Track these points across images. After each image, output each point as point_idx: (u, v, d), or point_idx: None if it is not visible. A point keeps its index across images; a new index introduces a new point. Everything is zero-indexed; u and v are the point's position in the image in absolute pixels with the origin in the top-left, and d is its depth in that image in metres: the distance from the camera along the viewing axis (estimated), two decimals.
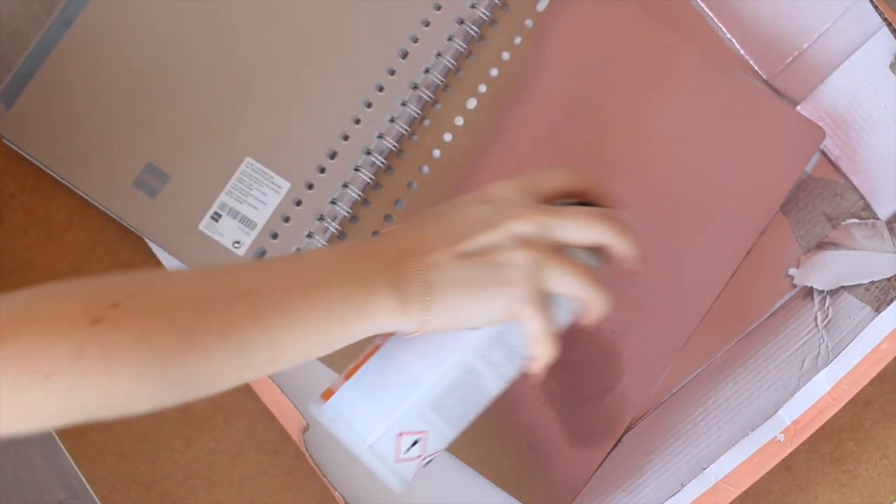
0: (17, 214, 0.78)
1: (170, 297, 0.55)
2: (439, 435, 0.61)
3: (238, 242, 0.77)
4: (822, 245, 0.77)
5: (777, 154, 0.77)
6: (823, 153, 0.78)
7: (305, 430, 0.76)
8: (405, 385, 0.60)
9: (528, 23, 0.79)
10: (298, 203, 0.77)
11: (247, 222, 0.77)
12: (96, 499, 0.77)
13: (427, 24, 0.78)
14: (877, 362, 0.75)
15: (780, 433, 0.75)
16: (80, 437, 0.77)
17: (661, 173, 0.77)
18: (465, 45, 0.78)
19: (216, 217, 0.77)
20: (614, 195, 0.63)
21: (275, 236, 0.77)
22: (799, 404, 0.75)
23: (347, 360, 0.76)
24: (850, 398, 0.75)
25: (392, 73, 0.78)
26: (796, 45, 0.78)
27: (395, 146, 0.77)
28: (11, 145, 0.77)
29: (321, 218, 0.77)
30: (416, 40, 0.78)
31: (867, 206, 0.77)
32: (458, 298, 0.58)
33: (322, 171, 0.77)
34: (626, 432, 0.76)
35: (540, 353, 0.60)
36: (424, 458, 0.62)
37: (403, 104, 0.78)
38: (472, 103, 0.78)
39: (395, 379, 0.60)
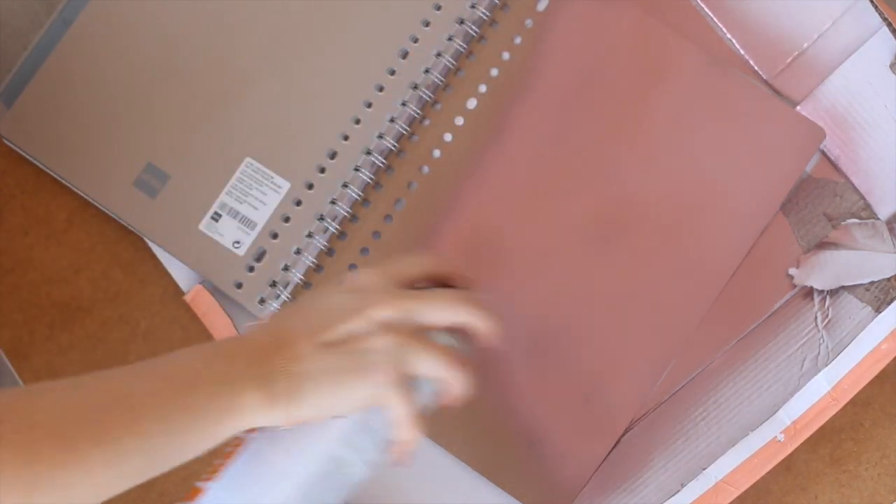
0: (18, 214, 0.78)
1: (52, 409, 0.56)
2: None
3: (238, 242, 0.77)
4: (822, 245, 0.77)
5: (777, 154, 0.77)
6: (823, 153, 0.78)
7: None
8: (273, 482, 0.60)
9: (528, 23, 0.79)
10: (298, 203, 0.77)
11: (247, 222, 0.77)
12: None
13: (427, 24, 0.78)
14: (877, 362, 0.75)
15: (780, 433, 0.75)
16: None
17: (661, 173, 0.77)
18: (465, 45, 0.78)
19: (216, 217, 0.77)
20: (473, 278, 0.65)
21: (275, 236, 0.77)
22: (799, 404, 0.75)
23: None
24: (850, 398, 0.75)
25: (392, 73, 0.78)
26: (796, 45, 0.78)
27: (395, 146, 0.77)
28: (11, 145, 0.77)
29: (321, 218, 0.77)
30: (416, 40, 0.78)
31: (867, 206, 0.77)
32: (323, 388, 0.58)
33: (322, 171, 0.77)
34: (626, 432, 0.76)
35: (404, 436, 0.60)
36: None
37: (403, 104, 0.78)
38: (472, 103, 0.78)
39: (263, 477, 0.60)
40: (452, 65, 0.78)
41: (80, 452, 0.55)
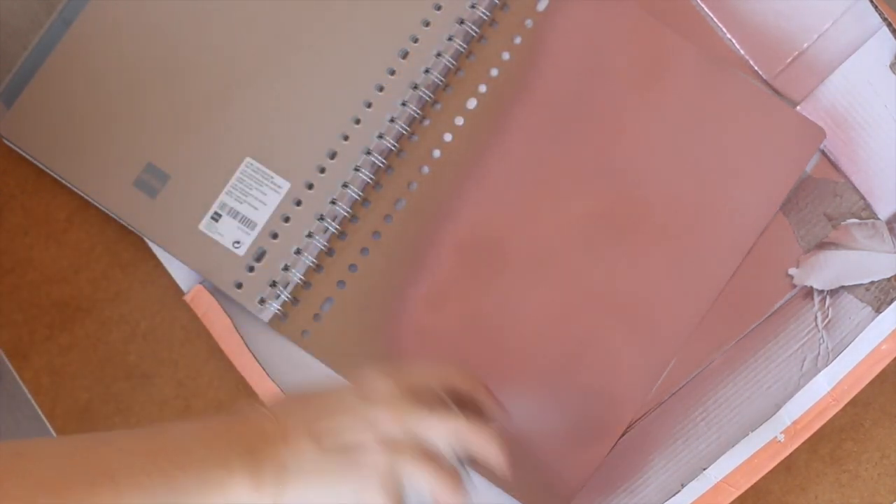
0: (17, 214, 0.78)
1: (33, 481, 0.56)
2: None
3: (238, 242, 0.77)
4: (823, 245, 0.77)
5: (777, 154, 0.77)
6: (823, 153, 0.78)
7: None
8: None
9: (528, 23, 0.79)
10: (298, 203, 0.77)
11: (247, 222, 0.77)
12: None
13: (427, 24, 0.78)
14: (877, 363, 0.75)
15: (781, 433, 0.75)
16: None
17: (661, 173, 0.77)
18: (465, 45, 0.78)
19: (216, 217, 0.77)
20: (491, 397, 0.66)
21: (275, 236, 0.77)
22: (799, 404, 0.75)
23: (345, 359, 0.76)
24: (850, 398, 0.75)
25: (392, 73, 0.78)
26: (796, 45, 0.78)
27: (395, 146, 0.77)
28: (11, 145, 0.77)
29: (321, 218, 0.77)
30: (416, 40, 0.78)
31: (867, 206, 0.77)
32: (312, 487, 0.60)
33: (322, 171, 0.77)
34: (626, 432, 0.76)
35: None
36: None
37: (403, 104, 0.78)
38: (472, 103, 0.78)
39: None
40: (452, 65, 0.78)
41: None
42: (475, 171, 0.78)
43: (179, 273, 0.78)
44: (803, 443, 0.75)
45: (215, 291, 0.77)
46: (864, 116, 0.77)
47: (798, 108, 0.78)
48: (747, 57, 0.79)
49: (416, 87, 0.78)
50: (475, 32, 0.78)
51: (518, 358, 0.76)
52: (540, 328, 0.76)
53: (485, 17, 0.78)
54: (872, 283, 0.76)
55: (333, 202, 0.77)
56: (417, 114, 0.78)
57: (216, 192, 0.77)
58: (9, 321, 0.78)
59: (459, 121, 0.78)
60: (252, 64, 0.78)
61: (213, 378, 0.78)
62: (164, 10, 0.78)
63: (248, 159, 0.77)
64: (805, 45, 0.78)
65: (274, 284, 0.76)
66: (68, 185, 0.77)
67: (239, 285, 0.76)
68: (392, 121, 0.77)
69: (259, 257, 0.77)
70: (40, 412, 0.77)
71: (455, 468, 0.62)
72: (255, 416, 0.61)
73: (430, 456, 0.61)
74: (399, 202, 0.78)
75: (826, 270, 0.77)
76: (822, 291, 0.77)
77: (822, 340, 0.76)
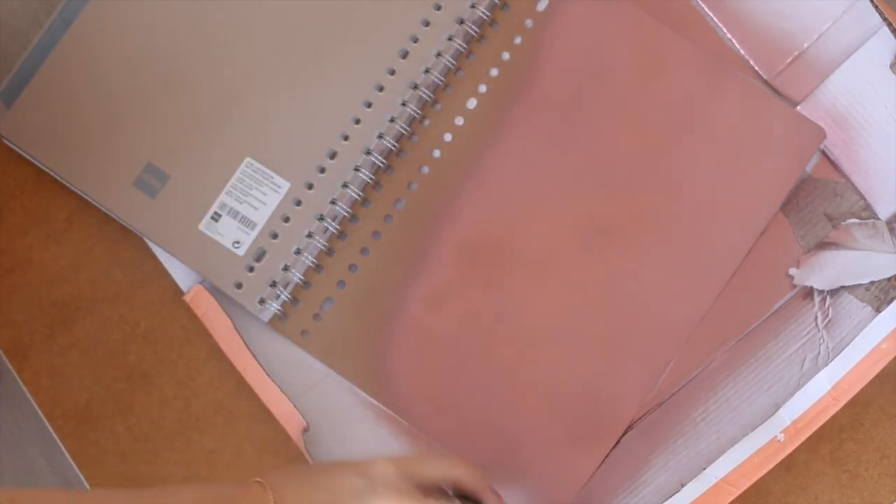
0: (17, 214, 0.78)
1: None
2: None
3: (238, 242, 0.77)
4: (823, 245, 0.77)
5: (777, 154, 0.77)
6: (824, 153, 0.78)
7: (305, 430, 0.76)
8: None
9: (528, 23, 0.79)
10: (298, 203, 0.77)
11: (247, 222, 0.77)
12: None
13: (427, 24, 0.78)
14: (877, 362, 0.75)
15: (781, 433, 0.75)
16: (80, 437, 0.77)
17: (660, 173, 0.77)
18: (465, 45, 0.78)
19: (216, 217, 0.77)
20: (496, 498, 0.67)
21: (275, 236, 0.77)
22: (799, 404, 0.75)
23: (345, 359, 0.76)
24: (850, 398, 0.75)
25: (392, 73, 0.78)
26: (796, 45, 0.78)
27: (395, 146, 0.77)
28: (11, 145, 0.77)
29: (321, 218, 0.77)
30: (416, 40, 0.78)
31: (867, 206, 0.77)
32: None
33: (322, 171, 0.77)
34: (626, 432, 0.76)
35: None
36: None
37: (403, 104, 0.78)
38: (472, 103, 0.78)
39: None
40: (452, 65, 0.78)
41: None
42: (475, 171, 0.78)
43: (179, 273, 0.78)
44: (803, 442, 0.75)
45: (215, 291, 0.77)
46: (864, 116, 0.77)
47: (798, 108, 0.78)
48: (747, 57, 0.79)
49: (416, 87, 0.78)
50: (475, 32, 0.78)
51: (518, 358, 0.76)
52: (540, 328, 0.76)
53: (485, 17, 0.78)
54: (872, 282, 0.76)
55: (333, 202, 0.77)
56: (417, 114, 0.78)
57: (216, 192, 0.77)
58: (9, 321, 0.78)
59: (459, 121, 0.78)
60: (252, 64, 0.78)
61: (213, 378, 0.78)
62: (163, 10, 0.78)
63: (248, 159, 0.77)
64: (805, 44, 0.78)
65: (274, 284, 0.76)
66: (68, 185, 0.77)
67: (239, 285, 0.76)
68: (392, 121, 0.77)
69: (259, 257, 0.77)
70: (40, 412, 0.77)
71: None
72: (257, 491, 0.61)
73: None
74: (399, 202, 0.78)
75: (826, 270, 0.77)
76: (822, 291, 0.77)
77: (822, 340, 0.76)
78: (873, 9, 0.78)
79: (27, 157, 0.77)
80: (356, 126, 0.78)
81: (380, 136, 0.77)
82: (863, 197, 0.77)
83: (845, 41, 0.78)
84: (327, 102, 0.78)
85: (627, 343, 0.76)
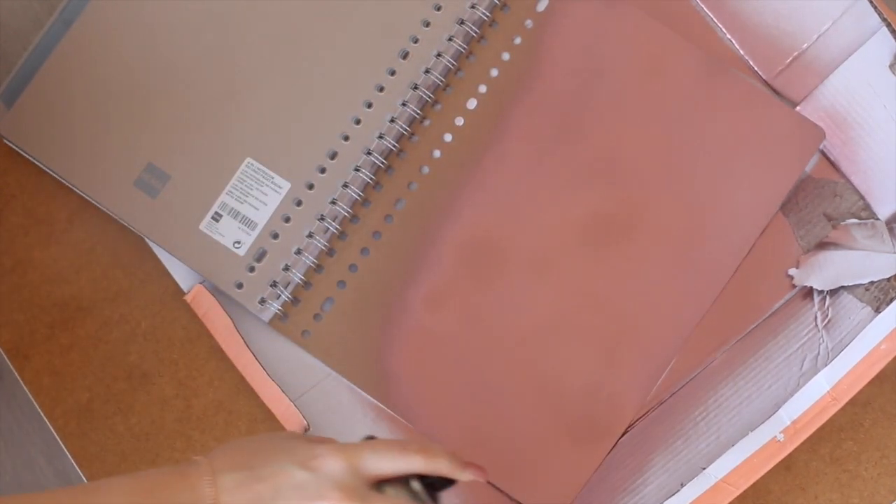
0: (18, 214, 0.78)
1: None
2: None
3: (238, 242, 0.77)
4: (822, 245, 0.77)
5: (777, 154, 0.77)
6: (823, 153, 0.78)
7: (306, 429, 0.76)
8: None
9: (528, 23, 0.79)
10: (299, 203, 0.77)
11: (247, 222, 0.77)
12: None
13: (427, 24, 0.78)
14: (876, 362, 0.75)
15: (780, 433, 0.75)
16: (80, 436, 0.77)
17: (660, 173, 0.77)
18: (465, 46, 0.78)
19: (217, 217, 0.77)
20: (471, 464, 0.61)
21: (275, 236, 0.77)
22: (799, 404, 0.75)
23: (345, 359, 0.76)
24: (849, 398, 0.75)
25: (392, 73, 0.78)
26: (796, 46, 0.79)
27: (395, 146, 0.77)
28: (12, 145, 0.77)
29: (322, 218, 0.77)
30: (416, 40, 0.78)
31: (867, 207, 0.77)
32: None
33: (322, 171, 0.77)
34: (626, 432, 0.76)
35: None
36: None
37: (403, 104, 0.78)
38: (472, 103, 0.78)
39: None
40: (452, 65, 0.78)
41: None
42: (475, 171, 0.78)
43: (180, 273, 0.78)
44: (803, 442, 0.75)
45: (216, 291, 0.77)
46: (863, 117, 0.78)
47: (798, 108, 0.78)
48: (747, 57, 0.79)
49: (416, 87, 0.78)
50: (475, 33, 0.78)
51: (518, 358, 0.76)
52: (540, 328, 0.76)
53: (485, 18, 0.78)
54: (872, 283, 0.76)
55: (334, 202, 0.77)
56: (417, 114, 0.78)
57: (217, 192, 0.77)
58: (9, 321, 0.78)
59: (459, 121, 0.78)
60: (252, 64, 0.78)
61: (213, 378, 0.78)
62: (164, 11, 0.78)
63: (248, 159, 0.77)
64: (805, 45, 0.78)
65: (274, 284, 0.76)
66: (69, 185, 0.77)
67: (239, 285, 0.76)
68: (392, 121, 0.78)
69: (260, 257, 0.77)
70: (41, 412, 0.78)
71: None
72: (192, 473, 0.58)
73: None
74: (399, 202, 0.78)
75: (826, 270, 0.77)
76: (821, 291, 0.77)
77: (821, 340, 0.76)
78: (872, 9, 0.78)
79: (28, 157, 0.77)
80: (356, 126, 0.78)
81: (380, 137, 0.77)
82: (862, 197, 0.77)
83: (844, 42, 0.78)
84: (328, 103, 0.78)
85: (627, 343, 0.76)
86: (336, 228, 0.77)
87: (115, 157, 0.77)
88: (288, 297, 0.76)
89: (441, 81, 0.78)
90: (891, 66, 0.77)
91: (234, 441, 0.61)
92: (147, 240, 0.77)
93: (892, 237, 0.77)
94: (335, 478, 0.58)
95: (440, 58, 0.78)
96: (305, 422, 0.76)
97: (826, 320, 0.76)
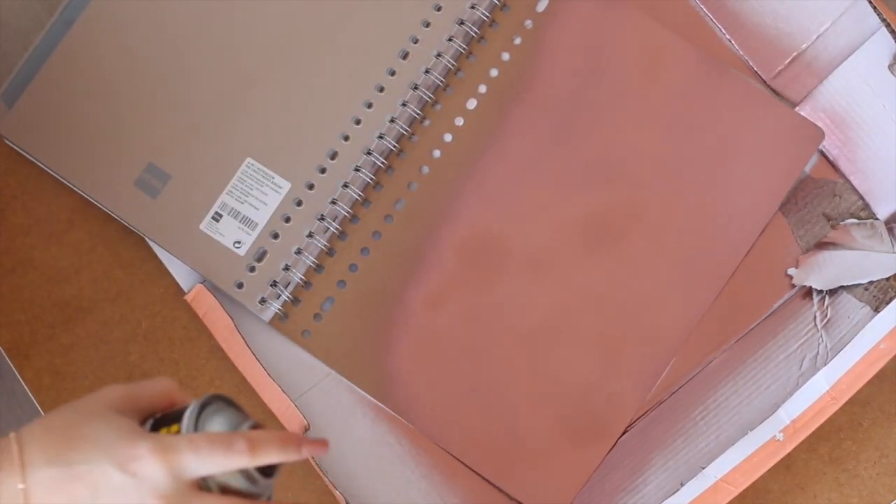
0: (19, 214, 0.79)
1: None
2: None
3: (239, 242, 0.77)
4: (821, 245, 0.77)
5: (776, 154, 0.77)
6: (822, 153, 0.78)
7: (306, 429, 0.76)
8: None
9: (528, 23, 0.79)
10: (299, 203, 0.77)
11: (248, 222, 0.77)
12: None
13: (427, 24, 0.78)
14: (875, 362, 0.75)
15: (780, 432, 0.75)
16: None
17: (659, 173, 0.77)
18: (465, 46, 0.78)
19: (217, 217, 0.77)
20: (311, 445, 0.57)
21: (275, 236, 0.77)
22: (798, 404, 0.75)
23: (345, 359, 0.76)
24: (848, 398, 0.75)
25: (392, 73, 0.78)
26: (795, 46, 0.79)
27: (395, 146, 0.77)
28: (13, 145, 0.77)
29: (322, 218, 0.77)
30: (416, 41, 0.78)
31: (866, 206, 0.77)
32: None
33: (322, 171, 0.77)
34: (625, 432, 0.76)
35: None
36: None
37: (403, 104, 0.78)
38: (472, 103, 0.78)
39: None
40: (452, 65, 0.78)
41: None
42: (475, 172, 0.78)
43: (180, 273, 0.78)
44: (802, 442, 0.75)
45: (216, 291, 0.77)
46: (862, 117, 0.78)
47: (797, 108, 0.78)
48: (746, 58, 0.79)
49: (416, 87, 0.78)
50: (475, 33, 0.78)
51: (517, 357, 0.76)
52: (539, 327, 0.76)
53: (485, 18, 0.78)
54: (871, 282, 0.76)
55: (334, 202, 0.77)
56: (417, 114, 0.78)
57: (217, 192, 0.77)
58: (10, 321, 0.78)
59: (459, 121, 0.78)
60: (253, 64, 0.78)
61: (213, 377, 0.78)
62: (164, 11, 0.78)
63: (248, 159, 0.77)
64: (804, 45, 0.79)
65: (275, 284, 0.76)
66: (69, 185, 0.77)
67: (240, 285, 0.77)
68: (392, 121, 0.78)
69: (260, 257, 0.77)
70: (41, 411, 0.78)
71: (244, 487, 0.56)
72: (3, 462, 0.54)
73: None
74: (399, 202, 0.78)
75: (825, 270, 0.77)
76: (821, 291, 0.77)
77: (820, 340, 0.76)
78: (872, 10, 0.78)
79: (28, 157, 0.77)
80: (357, 126, 0.78)
81: (380, 137, 0.77)
82: (861, 197, 0.78)
83: (844, 42, 0.78)
84: (328, 103, 0.78)
85: (627, 342, 0.76)
86: (336, 228, 0.77)
87: (116, 157, 0.77)
88: (288, 297, 0.76)
89: (441, 81, 0.78)
90: (890, 67, 0.78)
91: (46, 419, 0.57)
92: (147, 240, 0.77)
93: (891, 237, 0.77)
94: (155, 485, 0.55)
95: (440, 58, 0.78)
96: (306, 422, 0.76)
97: (825, 320, 0.77)
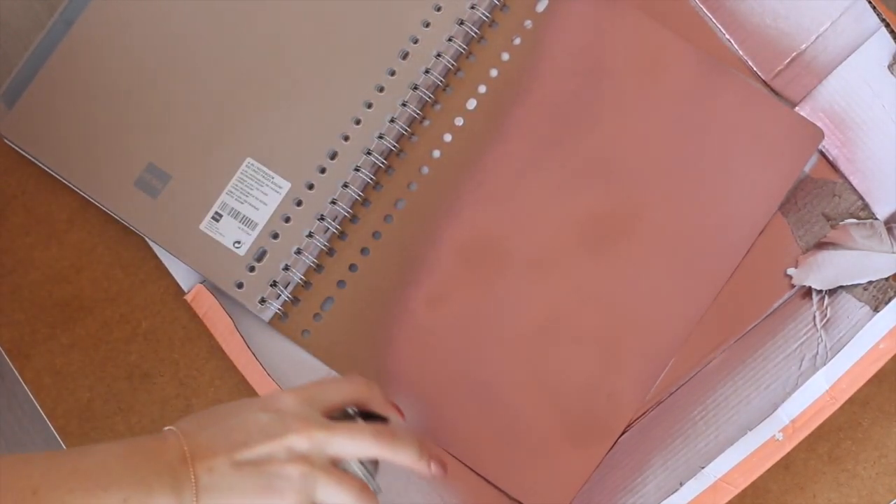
0: (19, 214, 0.79)
1: None
2: None
3: (239, 242, 0.77)
4: (821, 245, 0.77)
5: (775, 154, 0.78)
6: (822, 153, 0.78)
7: None
8: None
9: (528, 23, 0.79)
10: (299, 203, 0.77)
11: (247, 222, 0.77)
12: None
13: (427, 24, 0.78)
14: (875, 361, 0.75)
15: (779, 432, 0.75)
16: (81, 436, 0.77)
17: (659, 173, 0.77)
18: (464, 46, 0.78)
19: (217, 217, 0.77)
20: (394, 405, 0.70)
21: (275, 236, 0.77)
22: (797, 403, 0.75)
23: (345, 359, 0.76)
24: (848, 397, 0.75)
25: (392, 73, 0.78)
26: (795, 46, 0.79)
27: (395, 146, 0.77)
28: (13, 146, 0.78)
29: (321, 218, 0.77)
30: (415, 41, 0.78)
31: (865, 206, 0.77)
32: (228, 503, 0.63)
33: (322, 171, 0.78)
34: (625, 431, 0.76)
35: None
36: None
37: (403, 104, 0.78)
38: (471, 104, 0.78)
39: None
40: (452, 65, 0.78)
41: None
42: (475, 172, 0.78)
43: (180, 273, 0.78)
44: (802, 442, 0.75)
45: (216, 291, 0.77)
46: (862, 117, 0.78)
47: (796, 108, 0.78)
48: (746, 58, 0.79)
49: (415, 87, 0.78)
50: (475, 33, 0.78)
51: (517, 357, 0.76)
52: (539, 327, 0.76)
53: (484, 18, 0.78)
54: (870, 282, 0.76)
55: (334, 202, 0.77)
56: (417, 114, 0.78)
57: (217, 192, 0.77)
58: (10, 321, 0.78)
59: (459, 121, 0.78)
60: (253, 64, 0.78)
61: (213, 377, 0.78)
62: (165, 11, 0.78)
63: (248, 159, 0.77)
64: (803, 45, 0.79)
65: (274, 284, 0.77)
66: (70, 185, 0.77)
67: (240, 285, 0.77)
68: (392, 121, 0.78)
69: (260, 257, 0.77)
70: (41, 411, 0.78)
71: (363, 481, 0.65)
72: (173, 435, 0.63)
73: (339, 470, 0.65)
74: (399, 202, 0.78)
75: (824, 270, 0.77)
76: (820, 291, 0.77)
77: (820, 340, 0.76)
78: (871, 10, 0.78)
79: (29, 157, 0.77)
80: (356, 126, 0.78)
81: (380, 137, 0.78)
82: (861, 197, 0.78)
83: (843, 42, 0.78)
84: (328, 103, 0.78)
85: (626, 342, 0.76)
86: (336, 228, 0.77)
87: (116, 157, 0.77)
88: (288, 297, 0.76)
89: (441, 82, 0.78)
90: (889, 67, 0.78)
91: (196, 413, 0.67)
92: (147, 240, 0.78)
93: (890, 237, 0.77)
94: (293, 411, 0.65)
95: (440, 58, 0.78)
96: None
97: (825, 320, 0.77)
